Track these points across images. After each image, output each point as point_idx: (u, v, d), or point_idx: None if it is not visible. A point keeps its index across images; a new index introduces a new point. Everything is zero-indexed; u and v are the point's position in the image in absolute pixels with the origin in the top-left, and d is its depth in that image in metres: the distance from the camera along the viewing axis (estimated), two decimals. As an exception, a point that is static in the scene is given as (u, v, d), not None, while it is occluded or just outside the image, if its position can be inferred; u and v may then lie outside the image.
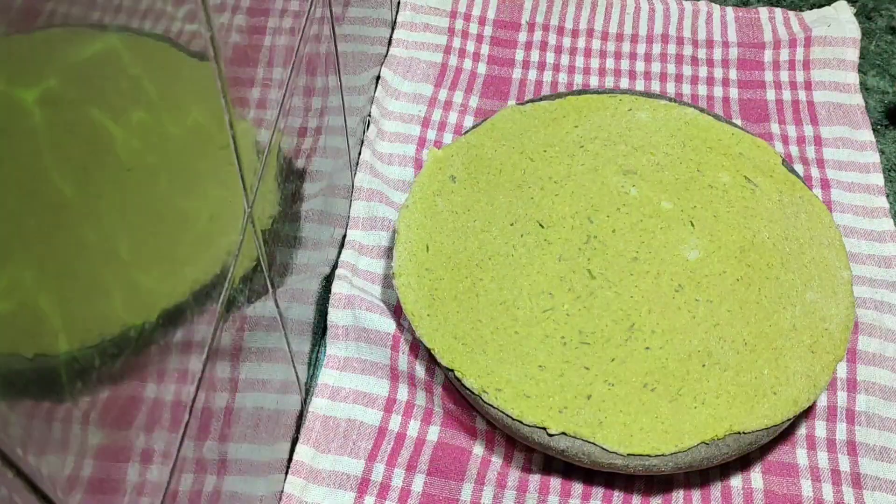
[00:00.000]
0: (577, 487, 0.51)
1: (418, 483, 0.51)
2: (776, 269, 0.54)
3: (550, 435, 0.48)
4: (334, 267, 0.58)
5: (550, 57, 0.72)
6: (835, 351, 0.51)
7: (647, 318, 0.52)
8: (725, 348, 0.51)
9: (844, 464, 0.51)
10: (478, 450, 0.52)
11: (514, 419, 0.49)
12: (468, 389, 0.50)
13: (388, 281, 0.59)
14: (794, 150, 0.66)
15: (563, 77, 0.71)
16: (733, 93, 0.70)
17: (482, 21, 0.74)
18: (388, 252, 0.60)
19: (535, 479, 0.51)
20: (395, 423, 0.53)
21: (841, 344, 0.51)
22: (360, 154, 0.64)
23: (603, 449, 0.48)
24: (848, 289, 0.53)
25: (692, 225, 0.56)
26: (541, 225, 0.56)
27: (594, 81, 0.71)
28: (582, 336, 0.52)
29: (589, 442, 0.48)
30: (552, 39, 0.73)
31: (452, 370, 0.50)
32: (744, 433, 0.48)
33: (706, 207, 0.57)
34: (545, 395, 0.49)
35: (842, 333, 0.52)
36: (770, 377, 0.50)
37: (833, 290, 0.53)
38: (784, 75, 0.71)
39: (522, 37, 0.73)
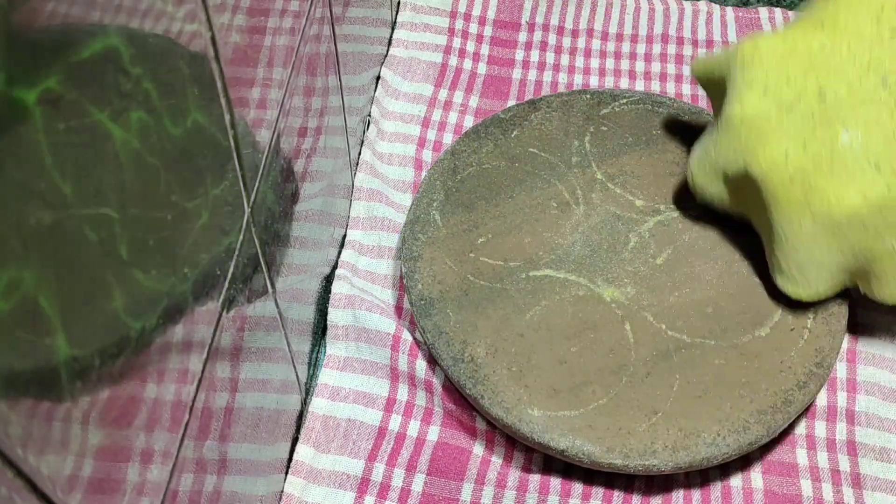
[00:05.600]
0: (577, 487, 0.51)
1: (418, 483, 0.51)
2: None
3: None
4: (334, 267, 0.59)
5: (550, 57, 0.72)
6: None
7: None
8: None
9: (844, 464, 0.51)
10: (478, 450, 0.52)
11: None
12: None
13: (388, 281, 0.59)
14: (794, 150, 0.66)
15: (563, 77, 0.71)
16: (733, 93, 0.70)
17: (482, 21, 0.74)
18: (388, 252, 0.60)
19: (535, 479, 0.51)
20: (395, 422, 0.53)
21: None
22: (360, 154, 0.64)
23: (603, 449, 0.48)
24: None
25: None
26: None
27: (594, 81, 0.71)
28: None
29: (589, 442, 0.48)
30: (552, 39, 0.73)
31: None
32: (745, 431, 0.48)
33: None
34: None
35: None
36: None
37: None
38: (784, 75, 0.71)
39: (522, 37, 0.73)
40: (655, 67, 0.71)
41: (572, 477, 0.51)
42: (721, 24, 0.74)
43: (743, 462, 0.52)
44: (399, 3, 0.74)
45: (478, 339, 0.52)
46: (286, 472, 0.50)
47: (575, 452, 0.48)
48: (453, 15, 0.74)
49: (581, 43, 0.73)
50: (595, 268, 0.55)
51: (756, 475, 0.51)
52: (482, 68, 0.71)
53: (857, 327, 0.56)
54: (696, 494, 0.51)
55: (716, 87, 0.55)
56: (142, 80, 0.28)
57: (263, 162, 0.41)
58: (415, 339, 0.54)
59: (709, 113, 0.63)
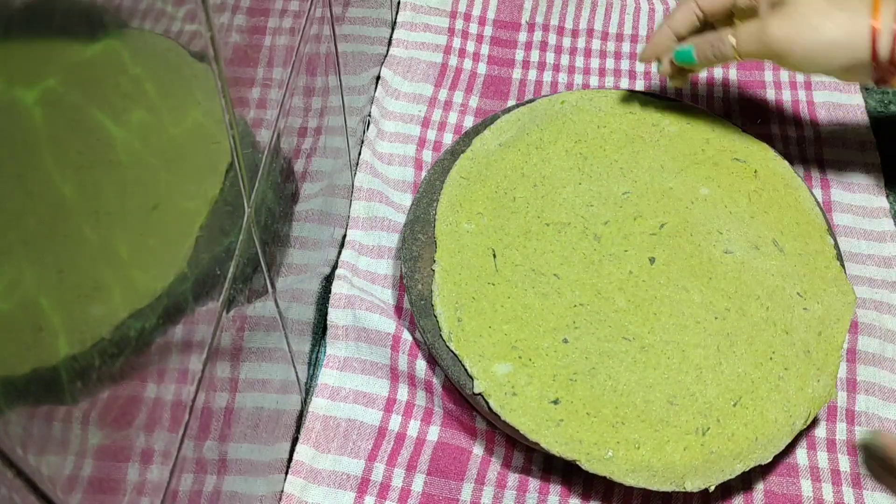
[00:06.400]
0: (577, 487, 0.51)
1: (418, 483, 0.51)
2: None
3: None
4: (334, 267, 0.58)
5: (550, 57, 0.72)
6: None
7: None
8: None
9: (844, 464, 0.51)
10: (478, 450, 0.52)
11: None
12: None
13: (388, 281, 0.59)
14: (794, 150, 0.66)
15: (563, 77, 0.71)
16: (733, 93, 0.70)
17: (482, 21, 0.74)
18: (388, 252, 0.60)
19: (534, 479, 0.51)
20: (395, 423, 0.53)
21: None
22: (360, 154, 0.64)
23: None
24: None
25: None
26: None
27: (594, 81, 0.71)
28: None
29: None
30: (552, 39, 0.73)
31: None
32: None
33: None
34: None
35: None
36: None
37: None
38: (784, 75, 0.71)
39: (522, 37, 0.73)
40: (655, 67, 0.71)
41: (572, 477, 0.51)
42: (721, 24, 0.74)
43: (743, 462, 0.52)
44: (399, 3, 0.74)
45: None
46: (286, 472, 0.50)
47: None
48: (453, 15, 0.74)
49: (581, 43, 0.73)
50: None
51: (756, 475, 0.51)
52: (482, 68, 0.71)
53: (857, 327, 0.56)
54: (696, 494, 0.51)
55: None
56: (142, 80, 0.28)
57: (263, 162, 0.41)
58: (415, 339, 0.54)
59: (708, 112, 0.63)
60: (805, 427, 0.49)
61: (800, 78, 0.70)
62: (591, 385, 0.49)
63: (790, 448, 0.52)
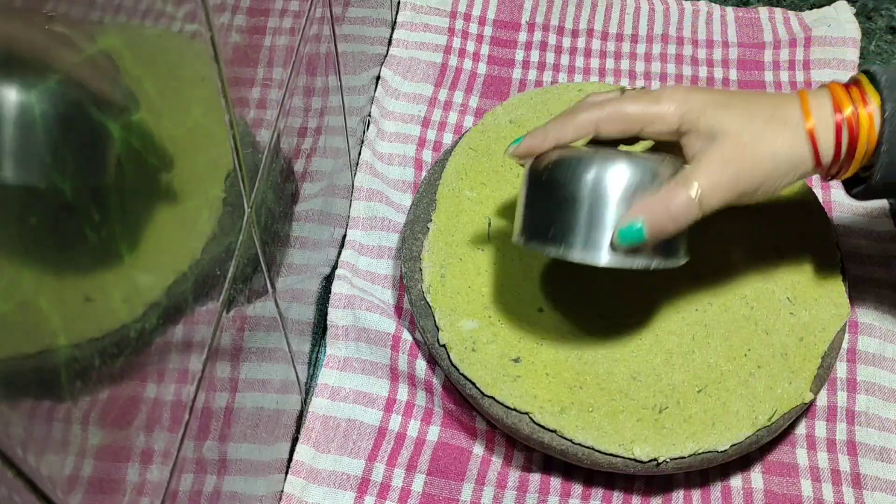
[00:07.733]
0: (577, 487, 0.51)
1: (418, 483, 0.51)
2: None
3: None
4: (334, 267, 0.59)
5: (550, 57, 0.72)
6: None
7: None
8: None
9: (844, 464, 0.51)
10: (478, 450, 0.52)
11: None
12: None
13: (388, 281, 0.59)
14: (794, 150, 0.66)
15: (563, 77, 0.71)
16: (733, 93, 0.70)
17: (482, 21, 0.74)
18: (388, 252, 0.60)
19: (535, 479, 0.51)
20: (395, 423, 0.53)
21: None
22: (360, 154, 0.64)
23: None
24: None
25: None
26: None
27: (594, 81, 0.71)
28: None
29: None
30: (552, 39, 0.73)
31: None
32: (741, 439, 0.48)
33: None
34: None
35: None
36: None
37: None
38: (784, 75, 0.71)
39: (522, 37, 0.73)
40: (655, 67, 0.71)
41: (572, 477, 0.51)
42: (721, 24, 0.74)
43: (743, 462, 0.52)
44: (399, 3, 0.74)
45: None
46: (286, 472, 0.50)
47: (575, 452, 0.48)
48: (453, 15, 0.74)
49: (581, 43, 0.73)
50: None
51: (756, 475, 0.51)
52: (482, 68, 0.71)
53: (858, 327, 0.56)
54: (696, 494, 0.51)
55: None
56: (142, 80, 0.28)
57: (263, 162, 0.41)
58: (415, 339, 0.54)
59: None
60: (770, 424, 0.49)
61: (800, 78, 0.70)
62: (555, 350, 0.51)
63: (790, 448, 0.52)
